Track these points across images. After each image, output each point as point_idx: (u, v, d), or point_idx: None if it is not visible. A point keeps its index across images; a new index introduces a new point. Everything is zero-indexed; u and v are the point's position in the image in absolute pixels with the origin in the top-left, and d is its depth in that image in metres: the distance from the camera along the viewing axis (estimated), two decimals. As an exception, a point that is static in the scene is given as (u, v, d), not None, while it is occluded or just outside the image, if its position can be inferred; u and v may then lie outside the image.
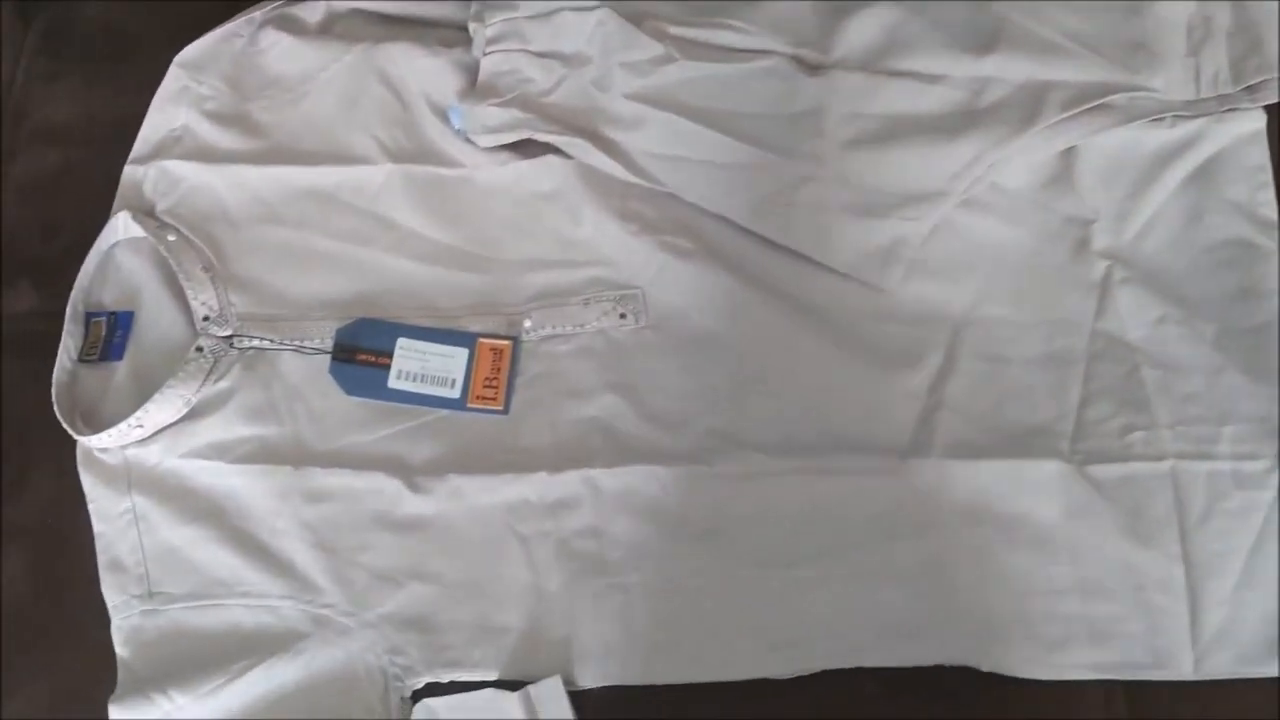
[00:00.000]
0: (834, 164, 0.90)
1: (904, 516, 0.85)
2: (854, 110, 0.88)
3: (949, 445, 0.86)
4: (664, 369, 0.90)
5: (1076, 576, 0.83)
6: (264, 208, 0.93)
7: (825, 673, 0.83)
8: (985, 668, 0.84)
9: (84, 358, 0.91)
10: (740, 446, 0.87)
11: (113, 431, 0.86)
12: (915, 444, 0.87)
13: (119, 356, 0.92)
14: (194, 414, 0.89)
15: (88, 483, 0.88)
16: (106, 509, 0.88)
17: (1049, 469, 0.84)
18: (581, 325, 0.91)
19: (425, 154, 0.93)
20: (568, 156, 0.90)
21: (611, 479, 0.87)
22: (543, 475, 0.88)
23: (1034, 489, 0.83)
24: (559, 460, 0.88)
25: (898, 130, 0.87)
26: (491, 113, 0.90)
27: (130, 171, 0.94)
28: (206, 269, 0.92)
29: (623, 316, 0.91)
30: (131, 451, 0.89)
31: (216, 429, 0.89)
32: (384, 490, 0.88)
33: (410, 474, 0.88)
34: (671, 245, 0.91)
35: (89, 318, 0.93)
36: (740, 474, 0.87)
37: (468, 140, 0.91)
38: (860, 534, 0.85)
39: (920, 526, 0.85)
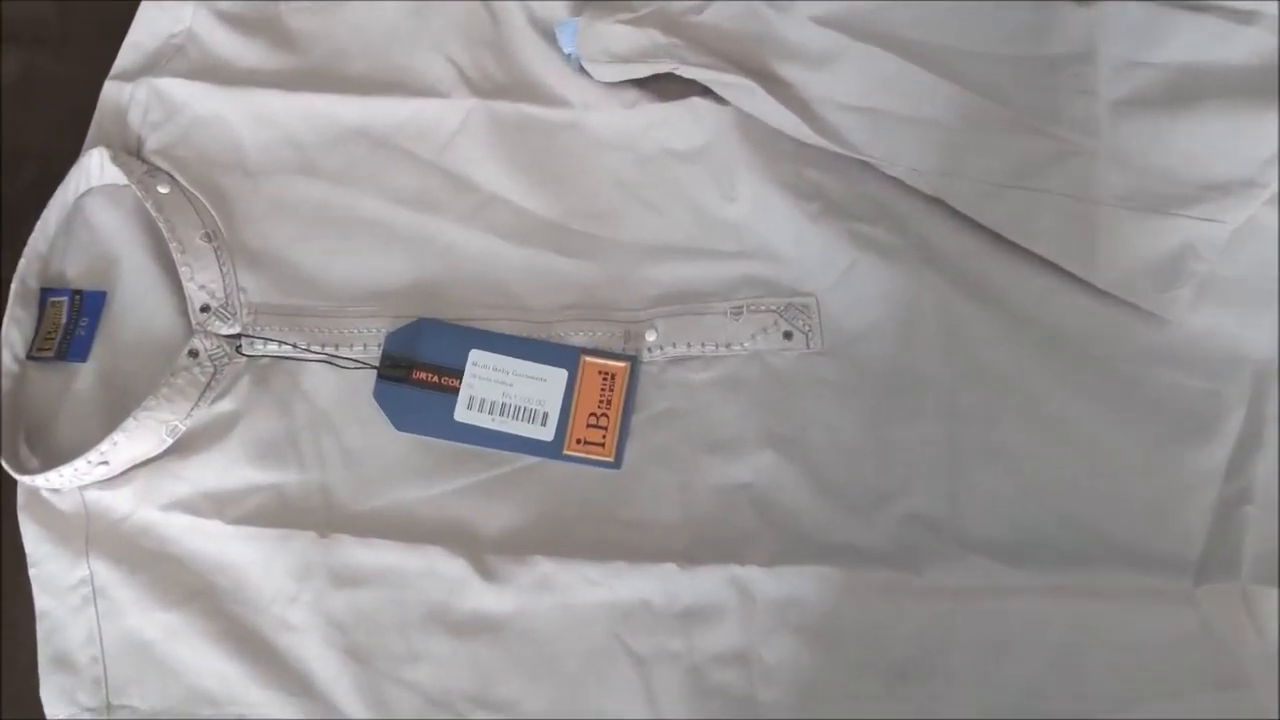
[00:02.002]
0: (1105, 134, 0.65)
1: (1200, 663, 0.61)
2: (1133, 56, 0.67)
3: (1260, 561, 0.62)
4: (846, 417, 0.65)
5: None
6: (294, 153, 0.70)
7: None
8: None
9: (35, 354, 0.67)
10: (959, 546, 0.63)
11: (65, 470, 0.63)
12: (1211, 557, 0.63)
13: (82, 355, 0.68)
14: (182, 448, 0.65)
15: (29, 537, 0.65)
16: (53, 577, 0.64)
17: None
18: (728, 344, 0.67)
19: (520, 87, 0.71)
20: (722, 102, 0.69)
21: (770, 582, 0.62)
22: (670, 568, 0.63)
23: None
24: (694, 547, 0.64)
25: (1194, 88, 0.66)
26: (619, 33, 0.68)
27: (112, 91, 0.71)
28: (210, 237, 0.68)
29: (788, 335, 0.67)
30: (93, 495, 0.65)
31: (212, 472, 0.65)
32: (443, 574, 0.63)
33: (480, 551, 0.64)
34: (865, 237, 0.67)
35: (45, 297, 0.69)
36: (959, 589, 0.62)
37: (581, 70, 0.70)
38: (1137, 685, 0.61)
39: (1224, 681, 0.60)
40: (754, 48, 0.68)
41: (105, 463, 0.63)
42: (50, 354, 0.67)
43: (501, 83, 0.71)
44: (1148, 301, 0.65)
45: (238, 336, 0.67)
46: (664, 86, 0.70)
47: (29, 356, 0.67)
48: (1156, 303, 0.65)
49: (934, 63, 0.66)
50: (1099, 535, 0.62)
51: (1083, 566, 0.62)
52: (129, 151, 0.70)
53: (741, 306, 0.67)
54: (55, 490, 0.64)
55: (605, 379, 0.67)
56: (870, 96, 0.66)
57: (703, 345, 0.67)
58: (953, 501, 0.63)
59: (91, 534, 0.64)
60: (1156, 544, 0.62)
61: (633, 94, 0.70)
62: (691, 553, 0.63)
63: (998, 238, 0.66)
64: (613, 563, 0.63)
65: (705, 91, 0.69)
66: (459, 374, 0.67)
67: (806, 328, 0.66)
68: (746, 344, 0.67)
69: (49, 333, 0.67)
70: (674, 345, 0.67)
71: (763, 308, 0.67)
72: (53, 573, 0.64)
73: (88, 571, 0.64)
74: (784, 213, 0.68)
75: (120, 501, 0.65)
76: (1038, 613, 0.61)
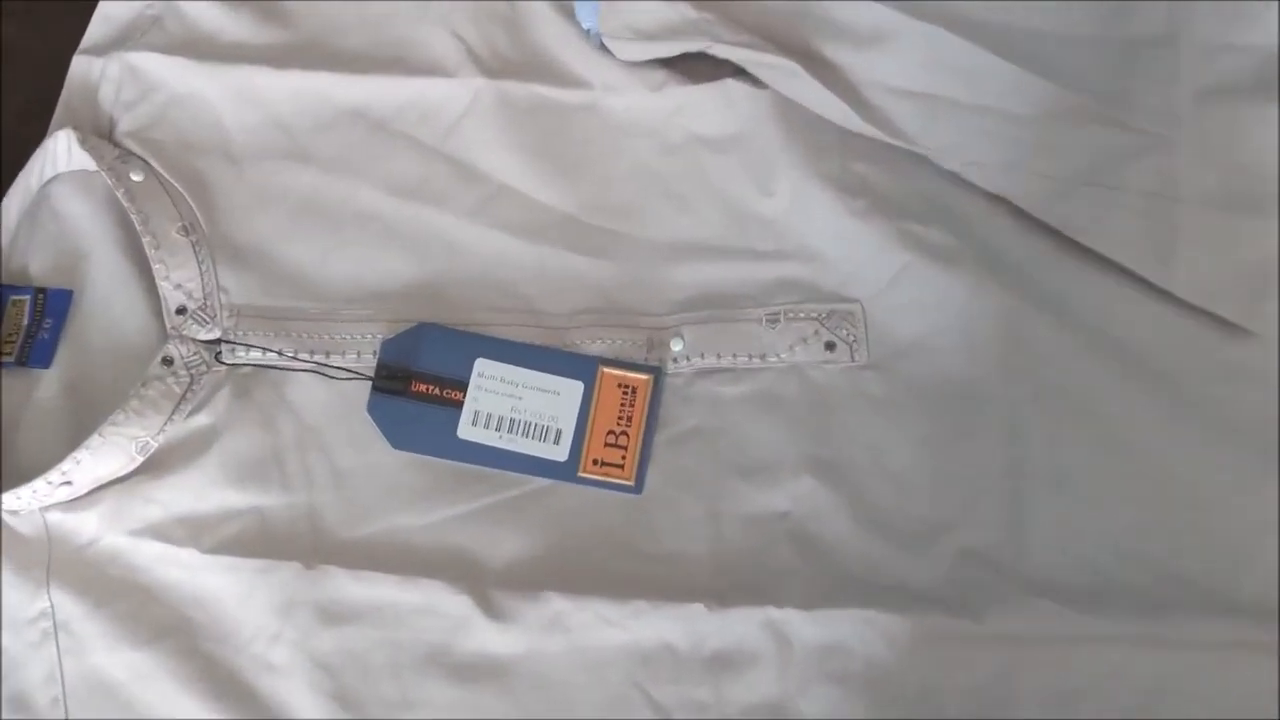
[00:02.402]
0: (1188, 125, 0.59)
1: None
2: (1220, 39, 0.61)
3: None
4: (895, 439, 0.59)
5: None
6: (282, 137, 0.64)
7: None
8: None
9: None
10: (1022, 587, 0.56)
11: (23, 492, 0.57)
12: (1306, 603, 0.55)
13: (46, 361, 0.62)
14: (154, 466, 0.59)
15: None
16: (10, 608, 0.58)
17: None
18: (763, 355, 0.60)
19: (533, 66, 0.65)
20: (758, 84, 0.62)
21: (809, 626, 0.56)
22: (697, 609, 0.56)
23: None
24: (724, 585, 0.57)
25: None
26: (645, 7, 0.62)
27: (81, 66, 0.65)
28: (187, 230, 0.62)
29: (830, 346, 0.60)
30: (55, 518, 0.59)
31: (187, 494, 0.59)
32: (443, 610, 0.57)
33: (485, 585, 0.57)
34: (917, 238, 0.61)
35: (4, 295, 0.62)
36: (1022, 636, 0.55)
37: (601, 48, 0.64)
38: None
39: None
40: (796, 24, 0.61)
41: (68, 483, 0.57)
42: (10, 359, 0.61)
43: (513, 61, 0.65)
44: (1233, 313, 0.59)
45: (217, 342, 0.60)
46: (694, 67, 0.63)
47: (-14, 361, 0.60)
48: (1242, 315, 0.59)
49: (999, 43, 0.59)
50: (1177, 577, 0.56)
51: (1160, 613, 0.55)
52: (99, 134, 0.64)
53: (778, 313, 0.61)
54: (14, 512, 0.57)
55: (626, 393, 0.60)
56: (927, 80, 0.60)
57: (734, 356, 0.60)
58: (1015, 536, 0.57)
59: (53, 561, 0.58)
60: (1241, 588, 0.56)
61: (659, 75, 0.64)
62: (721, 591, 0.56)
63: (1067, 241, 0.60)
64: (633, 601, 0.56)
65: (740, 73, 0.62)
66: (463, 386, 0.60)
67: (851, 338, 0.60)
68: (784, 355, 0.60)
69: (9, 335, 0.61)
70: (702, 355, 0.60)
71: (802, 315, 0.60)
72: (10, 604, 0.58)
73: (48, 603, 0.57)
74: (827, 209, 0.61)
75: (85, 525, 0.58)
76: (1110, 664, 0.54)
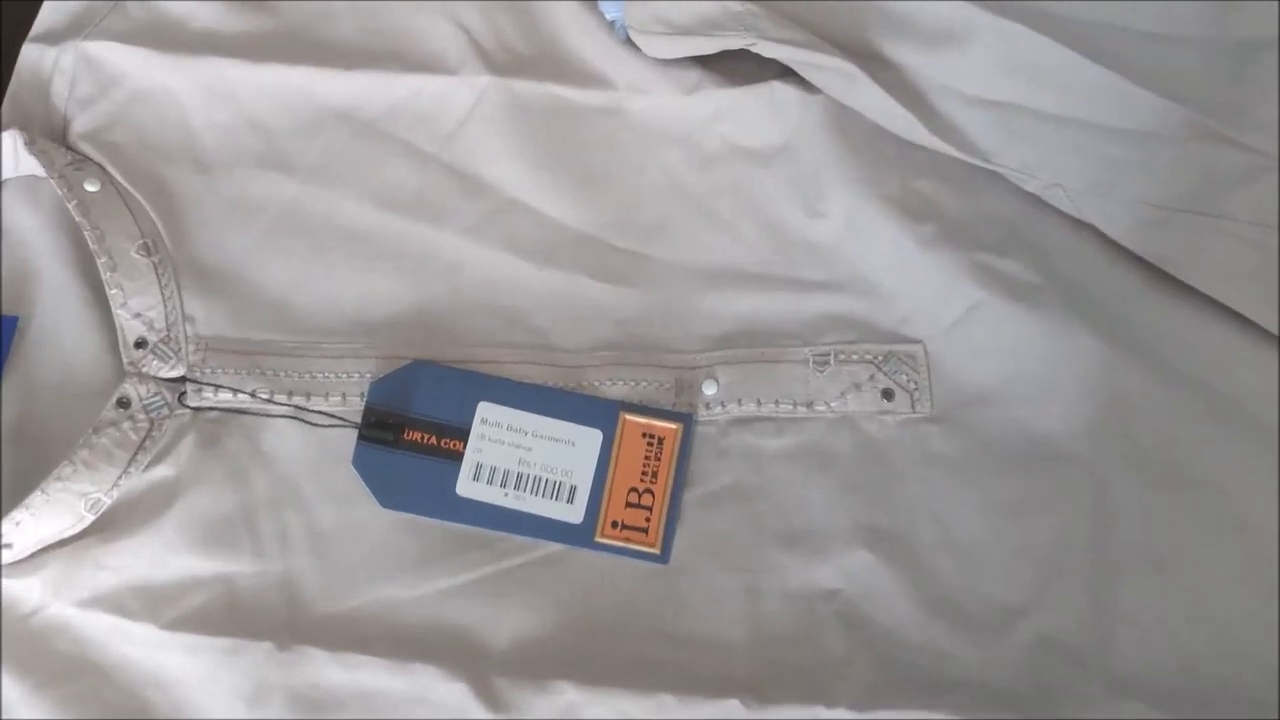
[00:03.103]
0: None
1: None
2: None
3: None
4: (963, 506, 0.52)
5: None
6: (259, 140, 0.57)
7: None
8: None
9: None
10: (1108, 686, 0.49)
11: None
12: None
13: None
14: (106, 527, 0.52)
15: None
16: None
17: None
18: (809, 403, 0.53)
19: (548, 62, 0.59)
20: (810, 89, 0.56)
21: None
22: (733, 706, 0.49)
23: None
24: (764, 677, 0.50)
25: None
26: None
27: (30, 56, 0.58)
28: (148, 249, 0.55)
29: (888, 394, 0.54)
30: None
31: (144, 559, 0.51)
32: (438, 700, 0.50)
33: (486, 671, 0.50)
34: (992, 271, 0.54)
35: None
36: None
37: (628, 43, 0.57)
38: None
39: None
40: (854, 20, 0.55)
41: (7, 545, 0.50)
42: (-55, 396, 0.53)
43: (524, 56, 0.58)
44: (1356, 365, 0.51)
45: (181, 381, 0.53)
46: (735, 66, 0.57)
47: (-83, 398, 0.53)
48: (1367, 367, 0.51)
49: (1091, 45, 0.53)
50: (1297, 677, 0.48)
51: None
52: (51, 136, 0.57)
53: (828, 354, 0.54)
54: (-56, 576, 0.50)
55: (651, 444, 0.53)
56: (1006, 87, 0.54)
57: (776, 403, 0.53)
58: (1101, 624, 0.50)
59: None
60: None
61: (694, 74, 0.57)
62: (760, 686, 0.49)
63: (1164, 277, 0.54)
64: (658, 694, 0.49)
65: (787, 74, 0.56)
66: (463, 434, 0.53)
67: (912, 385, 0.53)
68: (834, 403, 0.53)
69: (-56, 368, 0.53)
70: (739, 402, 0.53)
71: (855, 356, 0.53)
72: (-61, 681, 0.50)
73: (-15, 680, 0.50)
74: (886, 235, 0.54)
75: (28, 593, 0.51)
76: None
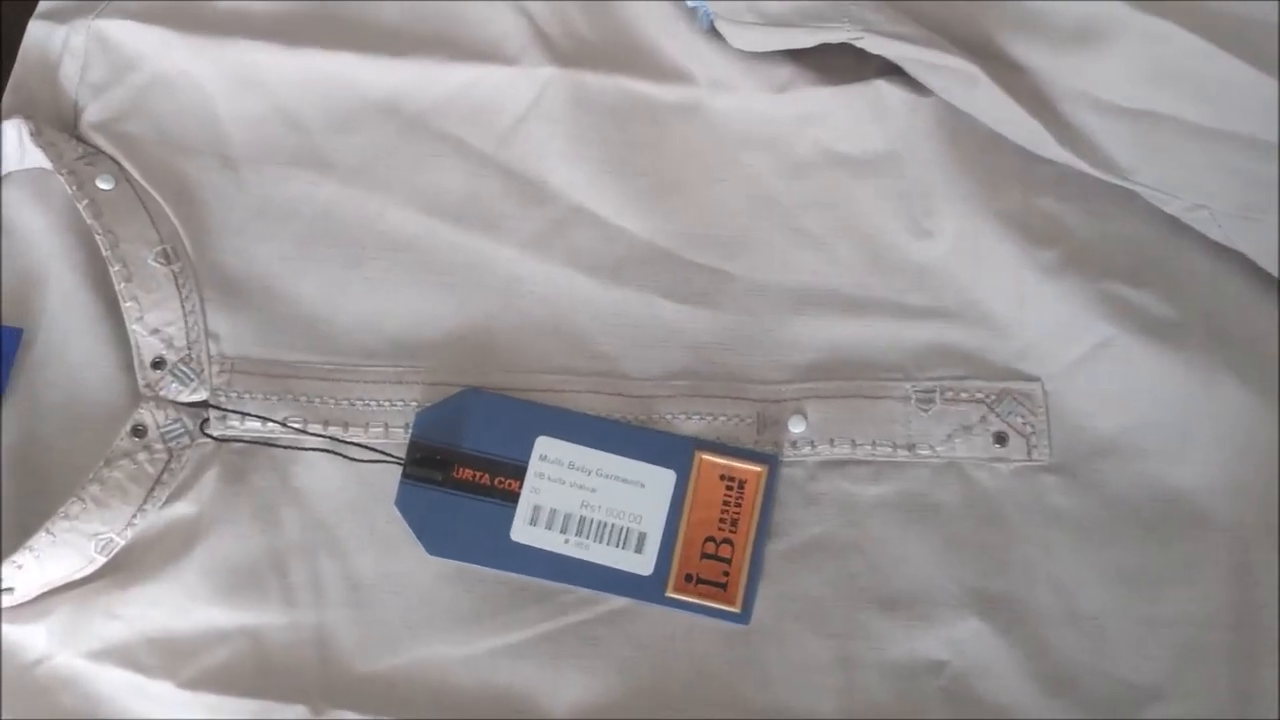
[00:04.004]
0: None
1: None
2: None
3: None
4: (1087, 570, 0.47)
5: None
6: (292, 135, 0.52)
7: None
8: None
9: None
10: None
11: None
12: None
13: None
14: (119, 569, 0.47)
15: None
16: None
17: None
18: (911, 446, 0.48)
19: (619, 52, 0.53)
20: (919, 90, 0.51)
21: None
22: None
23: None
24: None
25: None
26: None
27: (37, 35, 0.53)
28: (168, 256, 0.49)
29: (1001, 439, 0.48)
30: None
31: (161, 608, 0.47)
32: None
33: None
34: (1124, 304, 0.49)
35: None
36: None
37: (712, 33, 0.52)
38: None
39: None
40: (976, 14, 0.50)
41: (9, 589, 0.45)
42: (-61, 417, 0.47)
43: (593, 46, 0.53)
44: None
45: (203, 405, 0.47)
46: (832, 61, 0.52)
47: (-92, 420, 0.48)
48: None
49: (1253, 47, 0.46)
50: None
51: None
52: (60, 125, 0.52)
53: (933, 390, 0.49)
54: (-62, 622, 0.45)
55: (730, 487, 0.48)
56: (1149, 94, 0.48)
57: (874, 444, 0.48)
58: (1242, 710, 0.45)
59: None
60: None
61: (784, 71, 0.52)
62: (855, 771, 0.44)
63: None
64: (737, 775, 0.43)
65: (892, 72, 0.51)
66: (520, 472, 0.48)
67: (1028, 428, 0.48)
68: (939, 447, 0.48)
69: (-61, 385, 0.48)
70: (831, 442, 0.48)
71: (964, 394, 0.48)
72: (-68, 740, 0.45)
73: (-17, 738, 0.45)
74: (1004, 258, 0.49)
75: (32, 640, 0.47)
76: None
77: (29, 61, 0.53)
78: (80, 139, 0.52)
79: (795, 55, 0.51)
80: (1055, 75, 0.48)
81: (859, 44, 0.49)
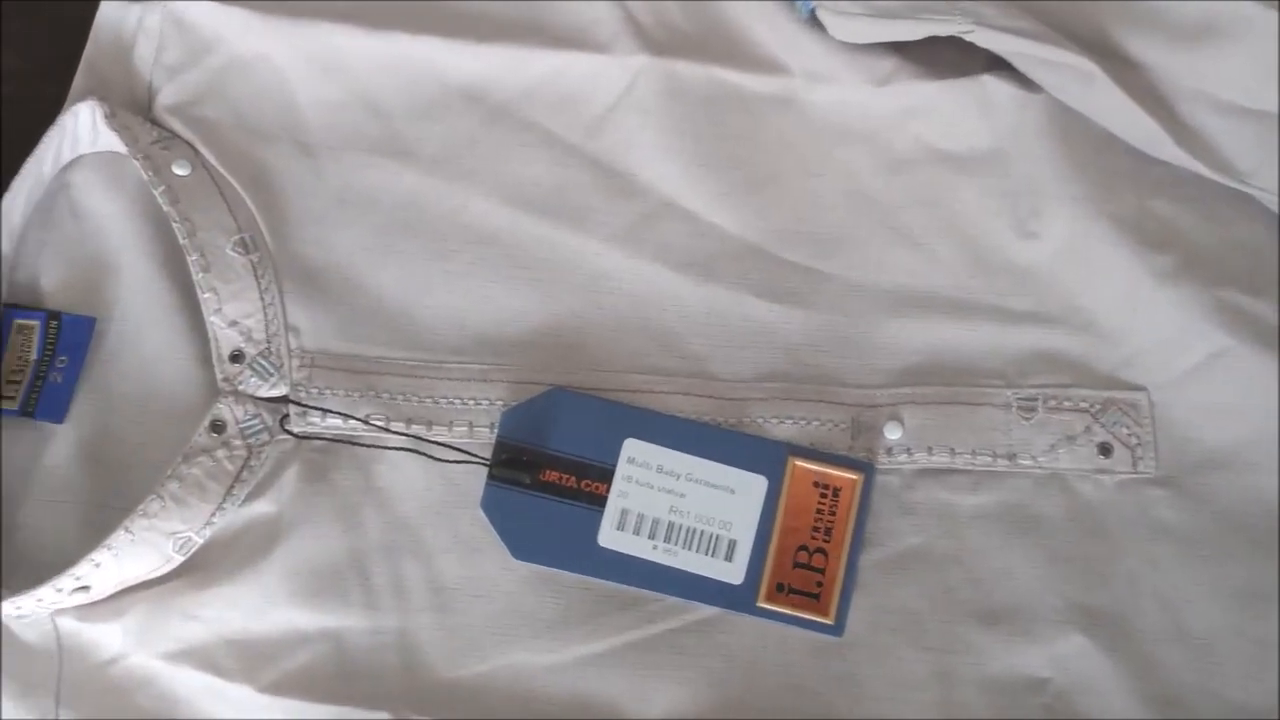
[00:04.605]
0: None
1: None
2: None
3: None
4: (1195, 588, 0.45)
5: None
6: (373, 122, 0.50)
7: None
8: None
9: None
10: None
11: (23, 601, 0.44)
12: None
13: (58, 414, 0.48)
14: (197, 568, 0.46)
15: None
16: None
17: None
18: (1011, 455, 0.47)
19: (715, 43, 0.51)
20: (1029, 86, 0.49)
21: None
22: None
23: None
24: None
25: None
26: None
27: (111, 14, 0.51)
28: (246, 246, 0.48)
29: (1105, 450, 0.47)
30: (69, 625, 0.46)
31: (240, 610, 0.45)
32: None
33: None
34: (1242, 314, 0.47)
35: (9, 317, 0.48)
36: None
37: (813, 22, 0.50)
38: None
39: None
40: (1091, 8, 0.47)
41: (84, 588, 0.43)
42: (12, 405, 0.47)
43: (688, 35, 0.51)
44: None
45: (283, 401, 0.46)
46: (936, 53, 0.50)
47: (-19, 408, 0.47)
48: None
49: None
50: None
51: None
52: (135, 108, 0.50)
53: (1035, 398, 0.47)
54: (20, 614, 0.45)
55: (824, 495, 0.46)
56: (1272, 95, 0.46)
57: (973, 453, 0.47)
58: None
59: (64, 682, 0.46)
60: None
61: (887, 63, 0.50)
62: (958, 795, 0.42)
63: None
64: (834, 794, 0.42)
65: (999, 66, 0.49)
66: (607, 475, 0.47)
67: (1134, 440, 0.46)
68: (1041, 458, 0.46)
69: (12, 373, 0.48)
70: (929, 450, 0.47)
71: (1068, 403, 0.47)
72: (6, 734, 0.44)
73: (56, 735, 0.44)
74: (1116, 263, 0.48)
75: (107, 639, 0.46)
76: None
77: (101, 42, 0.51)
78: (154, 122, 0.50)
79: (898, 48, 0.50)
80: (1174, 73, 0.46)
81: (969, 38, 0.47)
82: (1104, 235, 0.47)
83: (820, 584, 0.46)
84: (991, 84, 0.49)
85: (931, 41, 0.48)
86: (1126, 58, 0.47)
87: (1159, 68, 0.47)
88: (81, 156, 0.50)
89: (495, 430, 0.47)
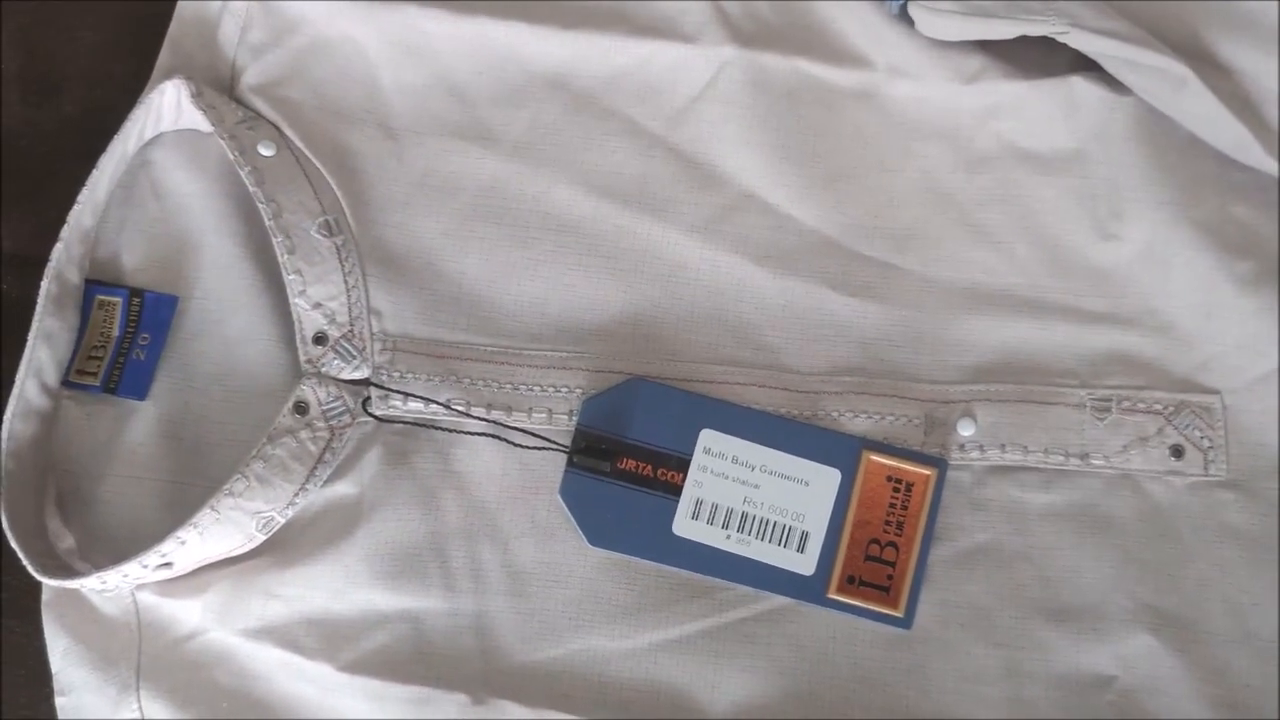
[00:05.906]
0: None
1: None
2: None
3: None
4: (1264, 593, 0.46)
5: None
6: (457, 106, 0.50)
7: None
8: None
9: (71, 380, 0.48)
10: None
11: (109, 576, 0.44)
12: None
13: (140, 392, 0.49)
14: (278, 547, 0.47)
15: (56, 651, 0.46)
16: (88, 714, 0.46)
17: None
18: (1084, 455, 0.47)
19: (801, 34, 0.51)
20: (1117, 89, 0.49)
21: None
22: None
23: None
24: None
25: None
26: None
27: None
28: (330, 229, 0.48)
29: (1177, 452, 0.47)
30: (149, 599, 0.47)
31: (321, 589, 0.46)
32: None
33: None
34: None
35: (91, 294, 0.49)
36: None
37: (902, 17, 0.50)
38: None
39: None
40: (1182, 12, 0.47)
41: (168, 564, 0.43)
42: (95, 383, 0.47)
43: (775, 27, 0.51)
44: None
45: (365, 383, 0.46)
46: (1023, 53, 0.49)
47: (65, 382, 0.47)
48: None
49: None
50: None
51: None
52: (219, 87, 0.50)
53: (1109, 399, 0.47)
54: (105, 589, 0.46)
55: (897, 490, 0.47)
56: None
57: (1045, 452, 0.47)
58: None
59: (144, 656, 0.46)
60: None
61: (974, 61, 0.50)
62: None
63: None
64: (901, 787, 0.43)
65: (1083, 67, 0.49)
66: (683, 465, 0.47)
67: (1206, 442, 0.47)
68: (1114, 459, 0.47)
69: (94, 348, 0.48)
70: (1002, 447, 0.47)
71: (1142, 405, 0.47)
72: (88, 708, 0.45)
73: (137, 712, 0.44)
74: (1194, 267, 0.48)
75: (185, 614, 0.47)
76: None
77: (185, 20, 0.51)
78: (239, 101, 0.50)
79: (986, 46, 0.49)
80: (1264, 79, 0.46)
81: (1063, 39, 0.47)
82: (1186, 240, 0.47)
83: (890, 577, 0.47)
84: (1080, 85, 0.49)
85: (1016, 40, 0.48)
86: (1216, 61, 0.47)
87: (1249, 73, 0.47)
88: (161, 134, 0.51)
89: (574, 417, 0.47)
